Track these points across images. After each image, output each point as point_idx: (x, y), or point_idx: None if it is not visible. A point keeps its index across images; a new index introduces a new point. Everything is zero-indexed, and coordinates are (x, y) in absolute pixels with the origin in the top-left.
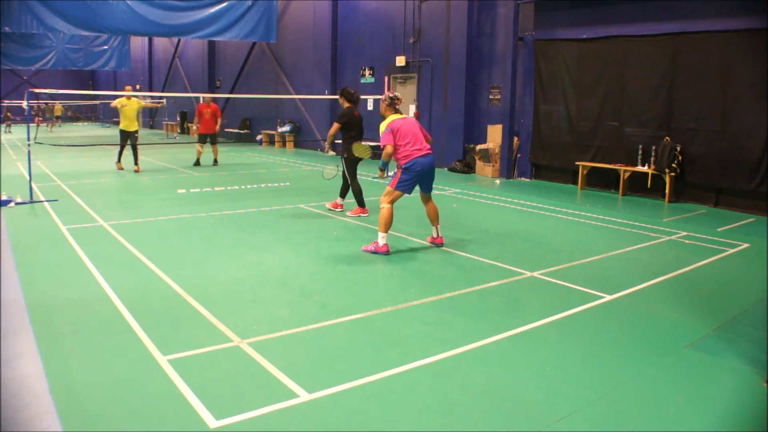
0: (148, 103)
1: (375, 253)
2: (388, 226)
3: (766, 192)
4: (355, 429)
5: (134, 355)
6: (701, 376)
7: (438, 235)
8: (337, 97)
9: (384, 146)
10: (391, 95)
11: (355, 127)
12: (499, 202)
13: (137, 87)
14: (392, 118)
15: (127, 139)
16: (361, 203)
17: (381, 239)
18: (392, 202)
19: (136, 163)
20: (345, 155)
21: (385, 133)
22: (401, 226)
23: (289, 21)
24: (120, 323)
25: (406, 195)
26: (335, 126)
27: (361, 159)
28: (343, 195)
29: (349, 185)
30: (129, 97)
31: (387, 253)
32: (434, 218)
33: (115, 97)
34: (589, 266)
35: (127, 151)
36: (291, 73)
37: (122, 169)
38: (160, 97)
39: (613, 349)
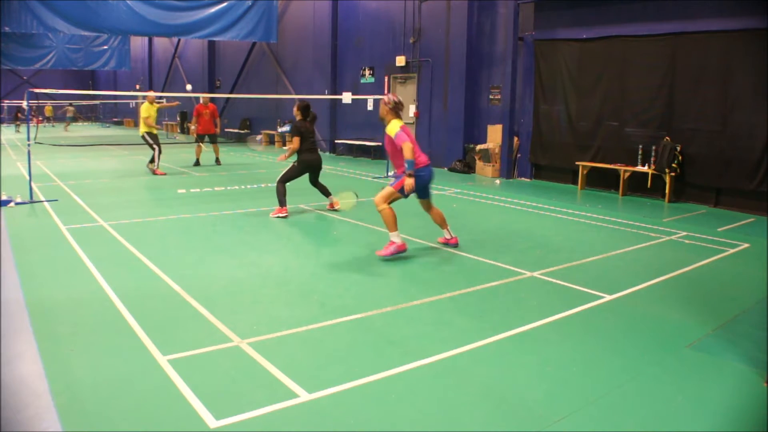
0: (164, 104)
1: (398, 253)
2: (395, 223)
3: (766, 192)
4: (355, 429)
5: (134, 355)
6: (701, 376)
7: (451, 235)
8: (337, 96)
9: (404, 143)
10: (395, 99)
11: (309, 137)
12: (499, 202)
13: (137, 87)
14: (399, 122)
15: (156, 138)
16: (282, 203)
17: (396, 238)
18: (390, 203)
19: (153, 161)
20: (295, 163)
21: (400, 134)
22: (401, 227)
23: (289, 21)
24: (120, 323)
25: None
26: (297, 140)
27: (304, 174)
28: (328, 194)
29: (314, 185)
30: (152, 103)
31: (406, 249)
32: (442, 222)
33: (116, 97)
34: (589, 266)
35: (143, 151)
36: (291, 73)
37: (165, 174)
38: (160, 97)
39: (613, 349)
